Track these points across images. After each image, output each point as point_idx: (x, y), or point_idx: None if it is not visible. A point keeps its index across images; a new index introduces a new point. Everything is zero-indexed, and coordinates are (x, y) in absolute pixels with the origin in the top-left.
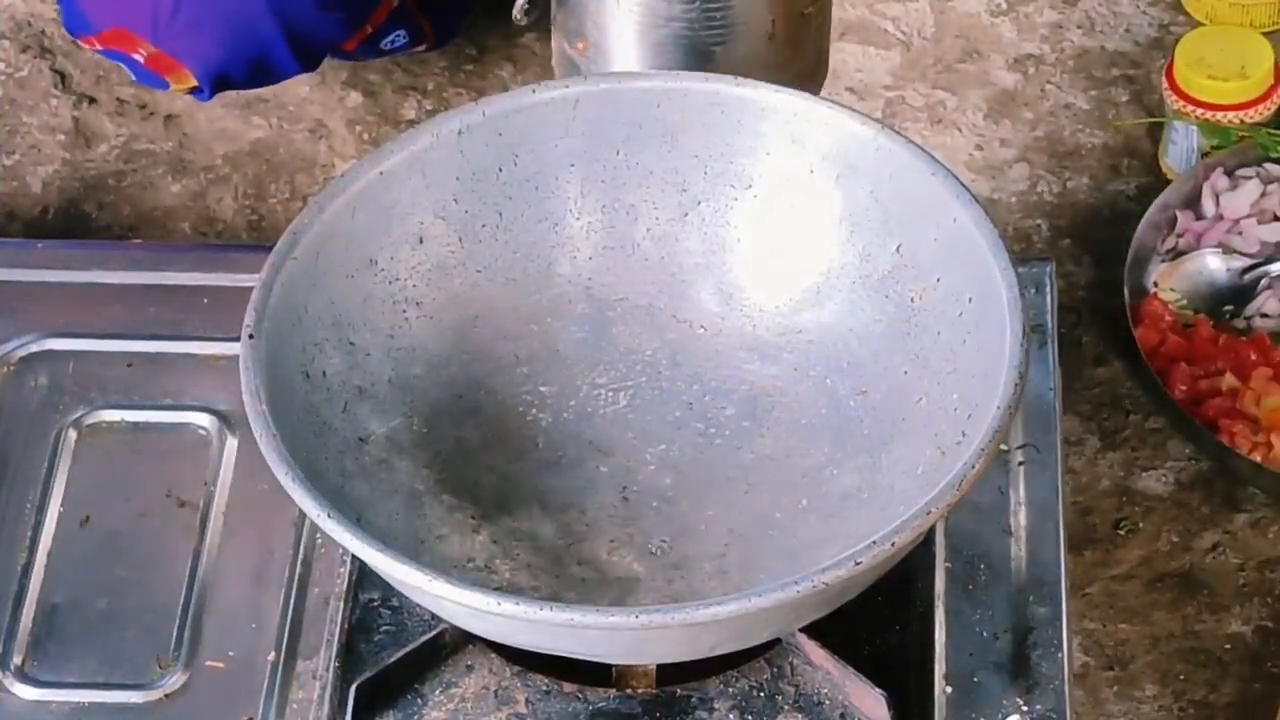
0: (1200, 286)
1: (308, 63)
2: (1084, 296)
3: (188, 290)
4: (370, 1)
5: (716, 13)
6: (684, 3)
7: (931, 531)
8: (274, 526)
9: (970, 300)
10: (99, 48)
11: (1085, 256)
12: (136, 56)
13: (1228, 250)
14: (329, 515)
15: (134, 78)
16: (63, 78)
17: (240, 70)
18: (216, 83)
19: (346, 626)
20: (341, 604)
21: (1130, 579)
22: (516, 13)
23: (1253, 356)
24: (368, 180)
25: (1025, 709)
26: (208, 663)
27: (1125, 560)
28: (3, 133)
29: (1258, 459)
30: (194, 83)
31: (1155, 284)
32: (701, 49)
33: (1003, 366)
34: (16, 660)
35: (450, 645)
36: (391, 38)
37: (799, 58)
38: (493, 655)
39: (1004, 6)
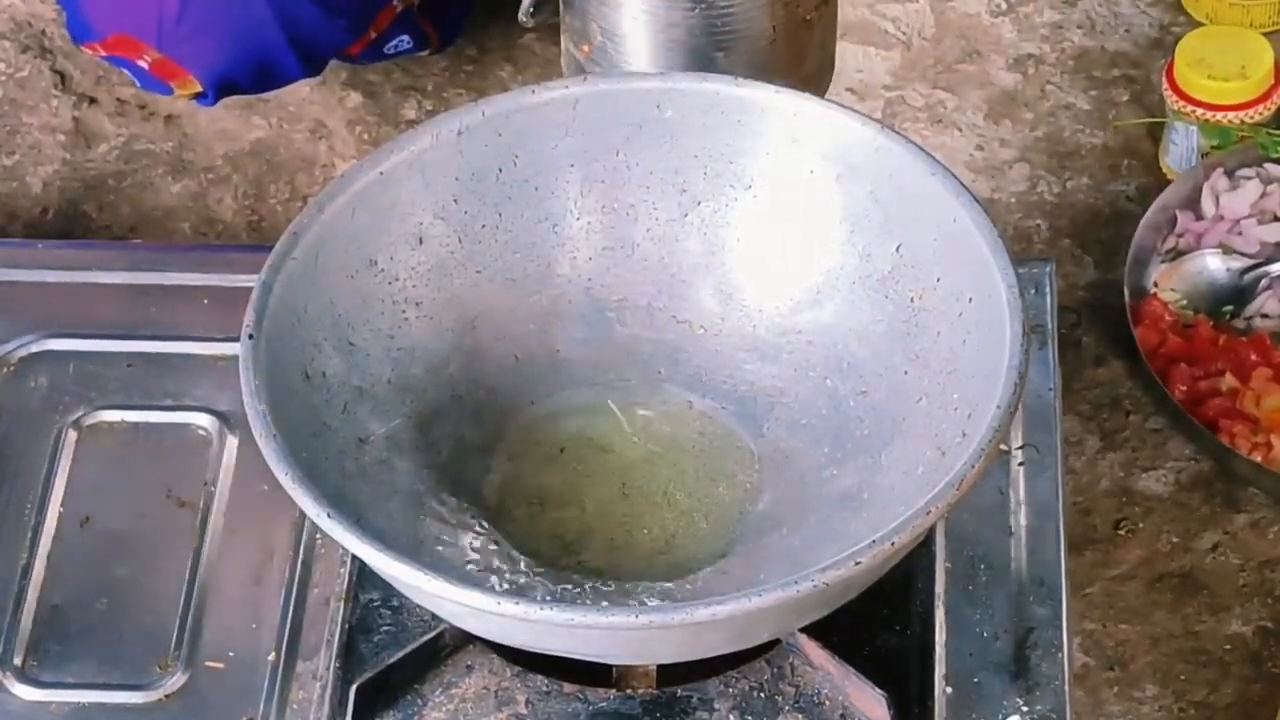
0: (1200, 287)
1: (312, 68)
2: (1084, 297)
3: (188, 290)
4: (374, 7)
5: (719, 18)
6: (687, 8)
7: (931, 531)
8: (274, 526)
9: (970, 300)
10: (103, 54)
11: (1085, 257)
12: (141, 63)
13: (1228, 251)
14: (329, 515)
15: (138, 83)
16: (63, 78)
17: (245, 76)
18: (221, 88)
19: (347, 627)
20: (342, 604)
21: (1130, 579)
22: (522, 15)
23: (1253, 357)
24: (368, 180)
25: (1025, 709)
26: (208, 663)
27: (1125, 560)
28: (3, 133)
29: (1258, 459)
30: (198, 88)
31: (1155, 284)
32: (704, 53)
33: (1003, 366)
34: (16, 660)
35: (450, 645)
36: (395, 42)
37: (802, 63)
38: (493, 655)
39: (1004, 6)
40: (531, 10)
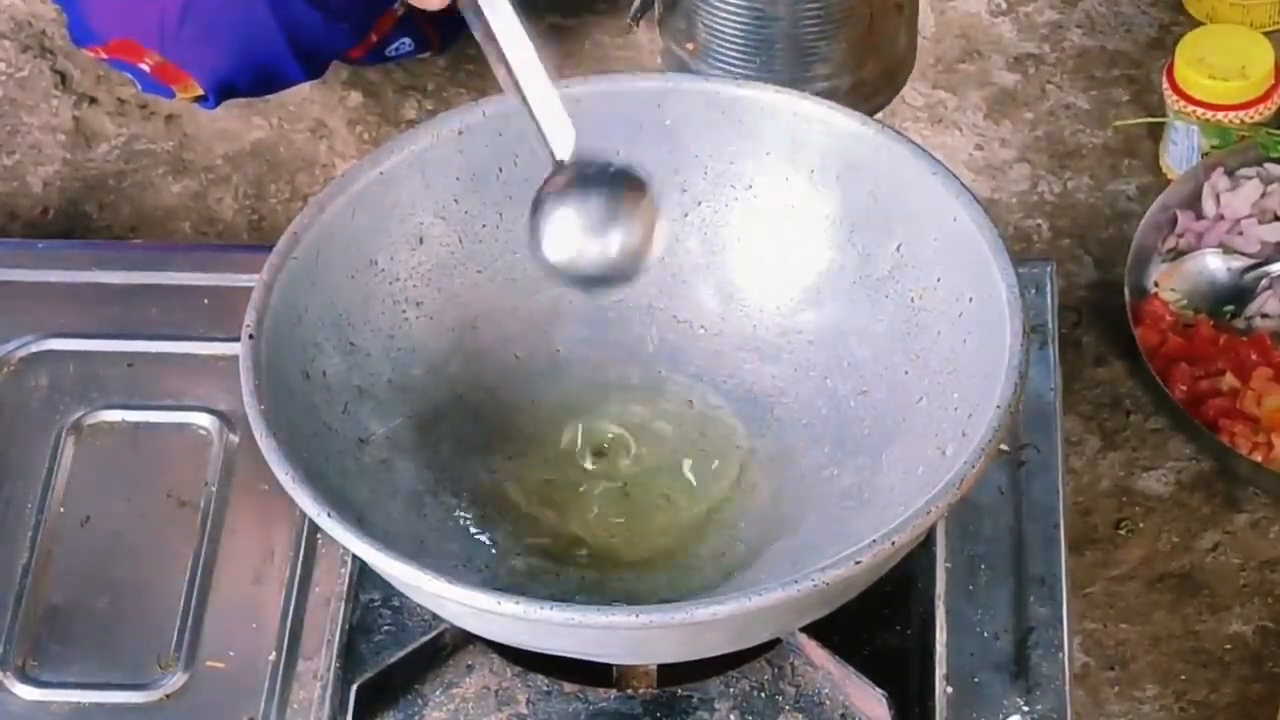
0: (1201, 286)
1: (313, 71)
2: (1084, 297)
3: (188, 290)
4: (376, 11)
5: (819, 8)
6: (790, 1)
7: (931, 531)
8: (274, 526)
9: (970, 300)
10: (105, 57)
11: (1085, 256)
12: (143, 66)
13: (1228, 250)
14: (329, 515)
15: (140, 87)
16: (63, 78)
17: (246, 79)
18: (222, 92)
19: (347, 627)
20: (342, 604)
21: (1131, 579)
22: (631, 18)
23: (1253, 357)
24: (368, 180)
25: (1026, 709)
26: (208, 663)
27: (1126, 560)
28: (3, 133)
29: (1258, 459)
30: (200, 92)
31: (1156, 284)
32: (805, 44)
33: (1003, 366)
34: (17, 660)
35: (451, 645)
36: (397, 45)
37: (893, 47)
38: (493, 655)
39: (1004, 6)
40: (637, 14)
